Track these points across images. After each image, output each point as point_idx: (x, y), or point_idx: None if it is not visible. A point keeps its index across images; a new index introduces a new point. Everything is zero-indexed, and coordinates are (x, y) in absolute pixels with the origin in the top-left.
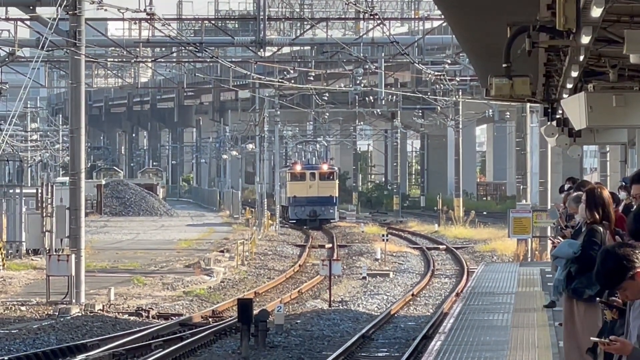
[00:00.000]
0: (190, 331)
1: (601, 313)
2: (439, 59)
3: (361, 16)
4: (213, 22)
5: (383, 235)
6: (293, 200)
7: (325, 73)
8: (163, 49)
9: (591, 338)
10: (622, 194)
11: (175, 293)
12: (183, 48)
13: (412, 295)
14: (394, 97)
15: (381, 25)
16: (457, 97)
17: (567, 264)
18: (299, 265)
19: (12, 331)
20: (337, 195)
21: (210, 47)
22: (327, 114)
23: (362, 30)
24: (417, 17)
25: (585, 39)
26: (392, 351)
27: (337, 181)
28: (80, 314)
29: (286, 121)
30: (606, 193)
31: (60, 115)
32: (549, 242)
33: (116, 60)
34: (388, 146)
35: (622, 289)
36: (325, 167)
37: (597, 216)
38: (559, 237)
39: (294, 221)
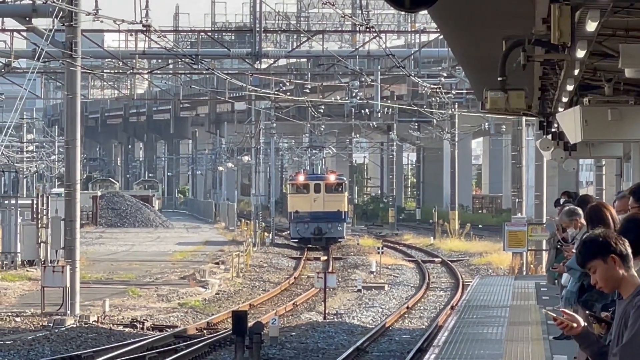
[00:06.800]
0: (184, 343)
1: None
2: (435, 72)
3: (357, 29)
4: (209, 34)
5: (378, 248)
6: (295, 216)
7: (321, 85)
8: (159, 60)
9: (545, 309)
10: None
11: (170, 305)
12: (179, 60)
13: (407, 308)
14: (390, 109)
15: (377, 38)
16: (453, 110)
17: (581, 277)
18: (294, 278)
19: (7, 342)
20: (346, 209)
21: (207, 59)
22: (323, 126)
23: (358, 43)
24: (413, 30)
25: (580, 53)
26: None
27: (346, 193)
28: (74, 325)
29: (282, 133)
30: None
31: (56, 126)
32: (544, 254)
33: (112, 71)
34: (384, 159)
35: (592, 269)
36: (332, 178)
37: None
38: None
39: (296, 240)
